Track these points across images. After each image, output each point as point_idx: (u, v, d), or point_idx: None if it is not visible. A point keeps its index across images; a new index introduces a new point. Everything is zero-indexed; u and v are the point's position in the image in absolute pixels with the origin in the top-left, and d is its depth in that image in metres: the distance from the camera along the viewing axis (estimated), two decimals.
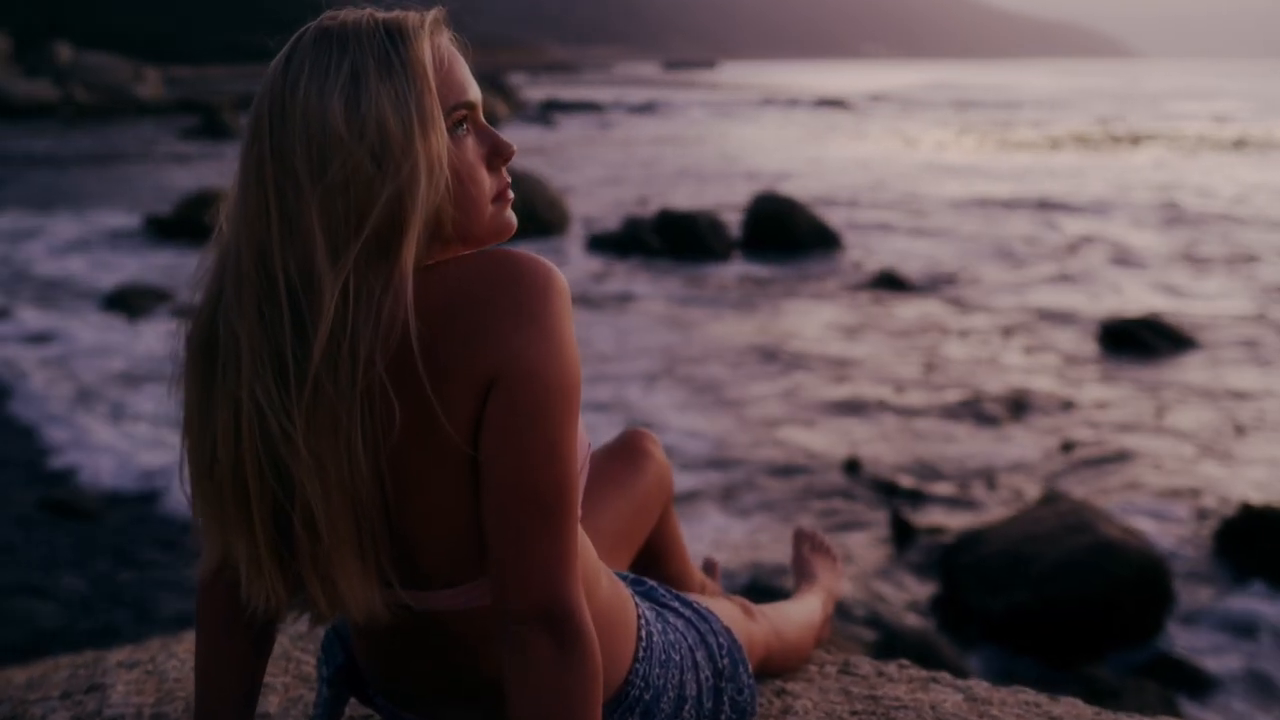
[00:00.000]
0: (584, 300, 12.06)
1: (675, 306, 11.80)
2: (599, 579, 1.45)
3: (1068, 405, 8.41)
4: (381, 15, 1.26)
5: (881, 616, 5.17)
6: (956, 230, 17.32)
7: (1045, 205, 20.20)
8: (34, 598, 5.34)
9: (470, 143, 1.27)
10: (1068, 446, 7.50)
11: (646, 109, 52.34)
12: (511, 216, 1.33)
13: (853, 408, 8.37)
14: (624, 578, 1.68)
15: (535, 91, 65.20)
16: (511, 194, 1.32)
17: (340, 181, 1.17)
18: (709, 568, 2.26)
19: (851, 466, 7.05)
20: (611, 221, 16.49)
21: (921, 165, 27.69)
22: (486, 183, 1.28)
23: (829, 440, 7.62)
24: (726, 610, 1.75)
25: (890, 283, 13.12)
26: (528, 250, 1.25)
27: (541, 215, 15.92)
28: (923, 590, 5.55)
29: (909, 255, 15.02)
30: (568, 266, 13.93)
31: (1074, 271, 14.14)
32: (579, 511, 1.24)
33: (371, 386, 1.17)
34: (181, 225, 15.49)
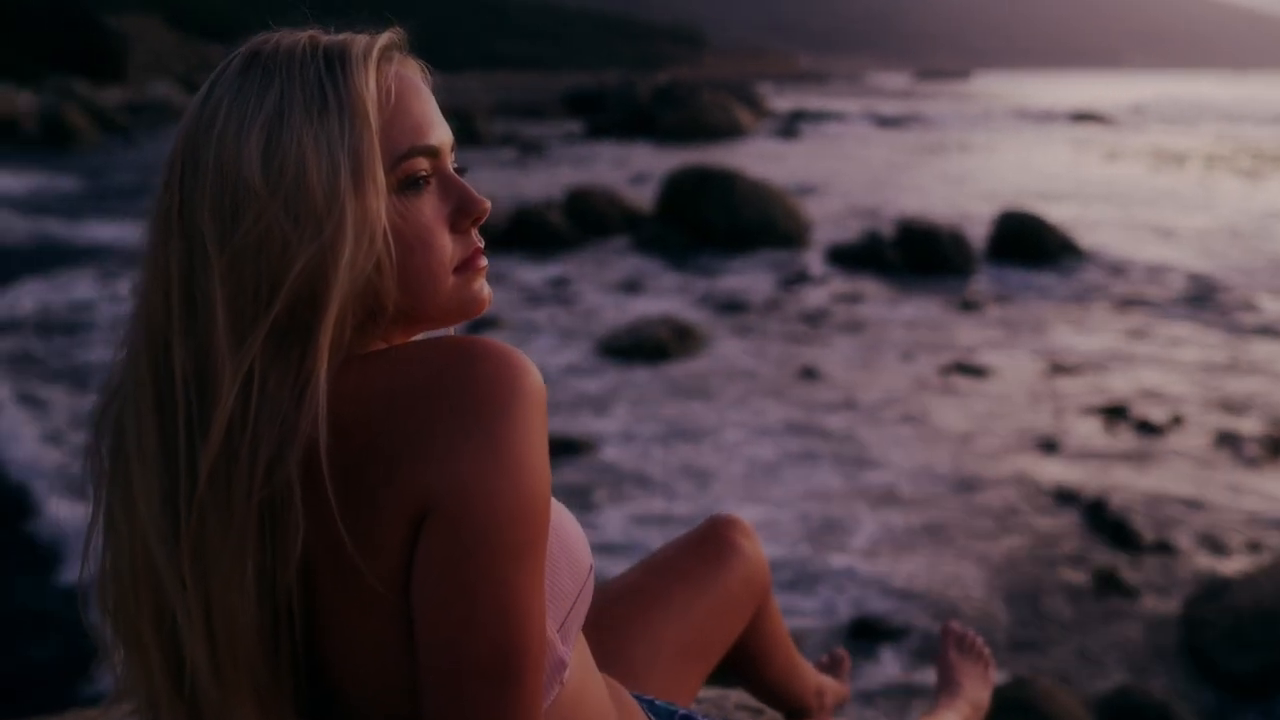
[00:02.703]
0: (826, 319, 11.90)
1: (917, 327, 11.51)
2: None
3: None
4: (325, 38, 1.03)
5: (1106, 669, 4.89)
6: (1224, 250, 16.32)
7: None
8: None
9: (428, 199, 1.03)
10: None
11: (894, 121, 51.46)
12: (481, 290, 1.07)
13: (1095, 438, 7.96)
14: (669, 715, 1.41)
15: (782, 102, 65.02)
16: (484, 262, 1.07)
17: (251, 243, 0.94)
18: (836, 662, 1.98)
19: (1096, 509, 6.64)
20: (851, 233, 16.24)
21: (1184, 182, 26.24)
22: (447, 248, 1.03)
23: (1068, 474, 7.26)
24: None
25: (1145, 304, 12.48)
26: (515, 349, 0.97)
27: (780, 226, 15.85)
28: (1155, 641, 5.22)
29: (1166, 275, 14.24)
30: (808, 282, 13.78)
31: None
32: (542, 673, 0.96)
33: (274, 501, 0.93)
34: None
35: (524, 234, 15.98)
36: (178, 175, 0.98)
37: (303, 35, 1.02)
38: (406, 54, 1.08)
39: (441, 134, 1.05)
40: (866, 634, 5.16)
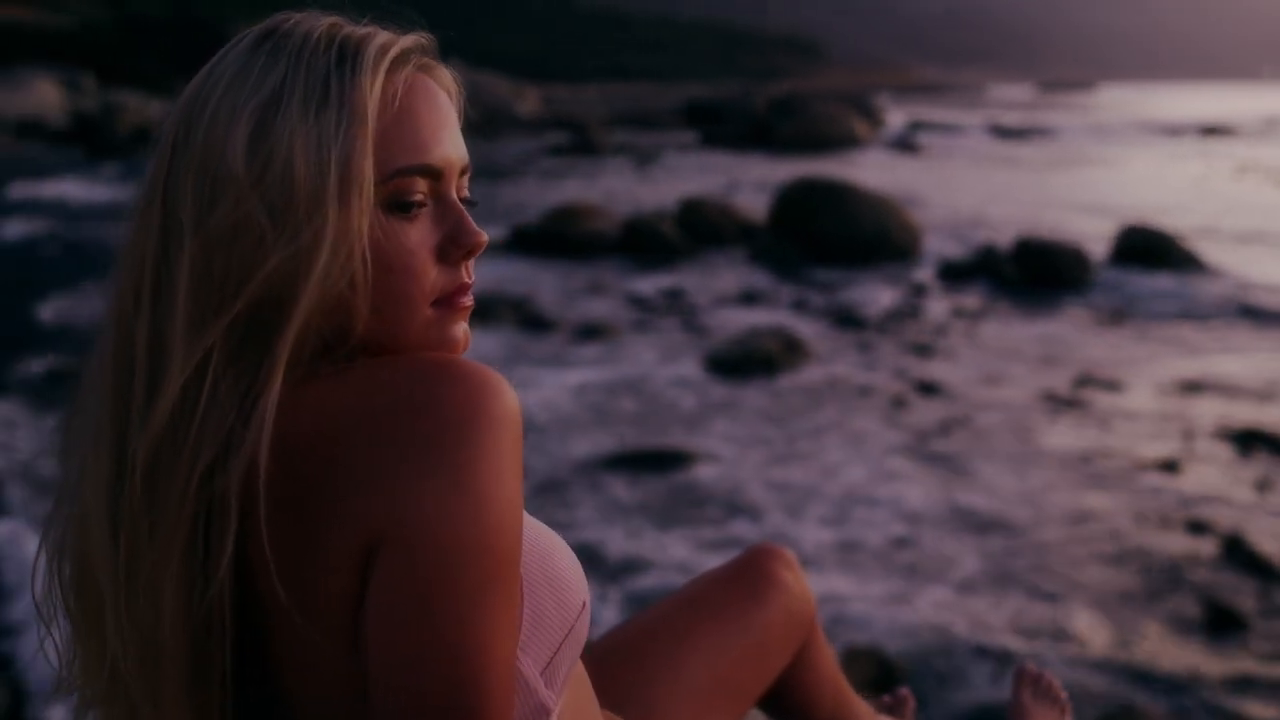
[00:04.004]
0: (940, 334, 11.70)
1: (1035, 344, 11.23)
2: None
3: None
4: (346, 29, 0.96)
5: (1223, 707, 4.68)
6: None
7: None
8: None
9: (420, 221, 0.96)
10: None
11: (1014, 133, 50.56)
12: (458, 333, 0.99)
13: (1226, 462, 7.67)
14: None
15: (900, 113, 64.34)
16: (468, 301, 0.99)
17: (225, 230, 0.89)
18: (900, 703, 1.87)
19: (1225, 539, 6.26)
20: (967, 247, 15.97)
21: None
22: (428, 277, 0.96)
23: (1195, 501, 6.99)
24: None
25: (1276, 323, 12.02)
26: (482, 364, 0.90)
27: (894, 239, 15.65)
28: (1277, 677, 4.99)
29: None
30: (922, 295, 13.56)
31: None
32: (508, 718, 0.88)
33: (210, 510, 0.88)
34: (544, 237, 16.25)
35: (636, 243, 16.01)
36: (168, 147, 0.94)
37: (324, 21, 0.96)
38: (435, 61, 1.02)
39: (447, 153, 0.98)
40: (958, 664, 5.02)
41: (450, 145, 0.98)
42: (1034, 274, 13.94)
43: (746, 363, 9.92)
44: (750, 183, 25.23)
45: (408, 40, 0.98)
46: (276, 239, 0.89)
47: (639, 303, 13.08)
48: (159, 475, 0.89)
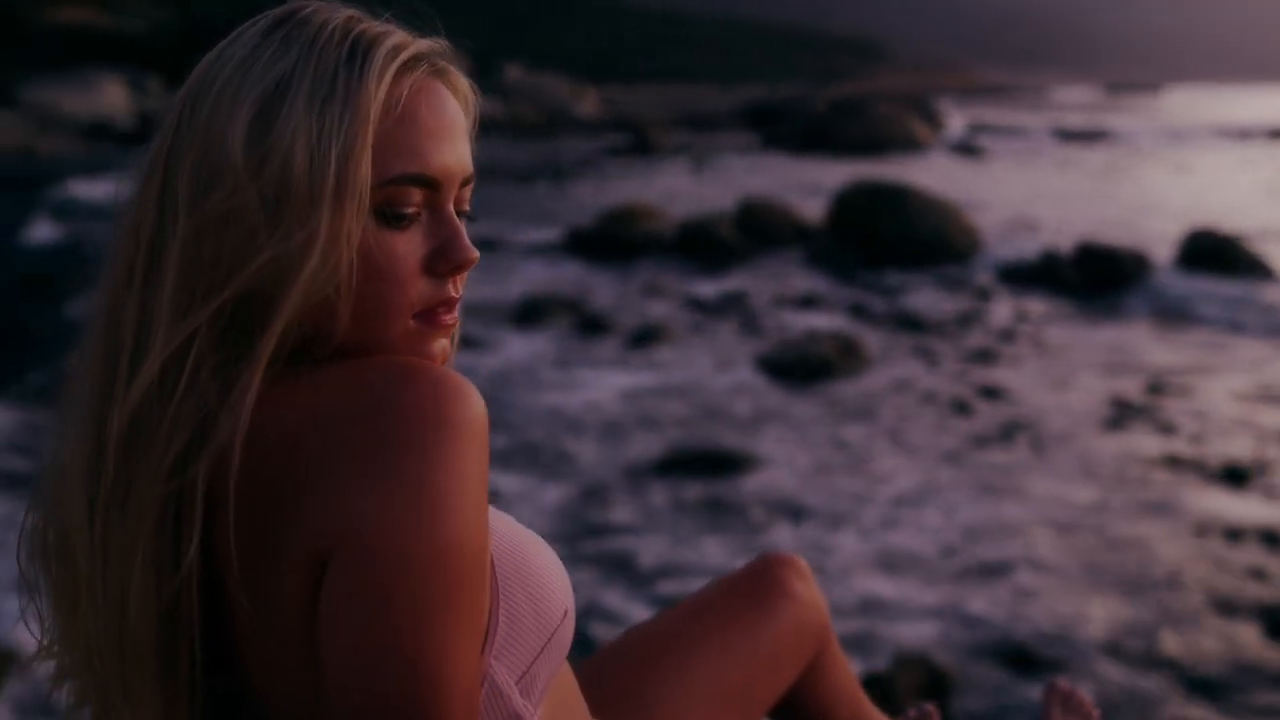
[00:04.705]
0: (1000, 339, 11.56)
1: (1098, 350, 11.07)
2: None
3: None
4: (361, 25, 0.94)
5: None
6: None
7: None
8: None
9: (409, 233, 0.94)
10: None
11: (1079, 136, 49.94)
12: (436, 347, 0.97)
13: None
14: None
15: (961, 116, 63.75)
16: (451, 319, 0.97)
17: (219, 217, 0.88)
18: (924, 718, 1.80)
19: None
20: (1027, 251, 15.77)
21: None
22: (414, 289, 0.94)
23: (1265, 513, 6.86)
24: None
25: None
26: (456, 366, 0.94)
27: (953, 243, 15.51)
28: None
29: None
30: (982, 300, 13.42)
31: None
32: None
33: (180, 498, 0.88)
34: (600, 238, 16.26)
35: (693, 245, 15.98)
36: (173, 122, 0.94)
37: (341, 14, 0.95)
38: (451, 68, 0.99)
39: (447, 163, 0.95)
40: (1008, 674, 4.93)
41: (451, 155, 0.96)
42: (1097, 278, 13.76)
43: (803, 367, 9.85)
44: (808, 185, 25.09)
45: (422, 44, 0.96)
46: (269, 235, 0.88)
47: (696, 305, 13.04)
48: (133, 452, 0.89)
